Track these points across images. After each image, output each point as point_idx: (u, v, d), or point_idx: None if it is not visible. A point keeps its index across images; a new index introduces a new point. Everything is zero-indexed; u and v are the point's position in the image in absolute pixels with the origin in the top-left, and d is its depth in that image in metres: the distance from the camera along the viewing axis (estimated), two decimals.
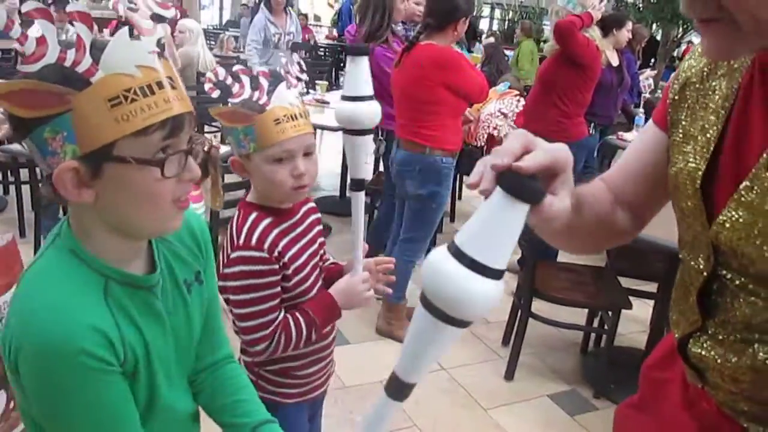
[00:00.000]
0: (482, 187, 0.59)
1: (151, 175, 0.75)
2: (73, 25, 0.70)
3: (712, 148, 0.76)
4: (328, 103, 4.31)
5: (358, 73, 1.26)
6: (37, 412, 0.81)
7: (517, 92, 3.96)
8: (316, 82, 5.20)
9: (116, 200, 0.77)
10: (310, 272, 1.35)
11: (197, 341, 0.99)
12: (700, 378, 0.83)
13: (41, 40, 0.67)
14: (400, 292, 2.95)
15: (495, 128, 3.68)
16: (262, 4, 5.25)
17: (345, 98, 1.27)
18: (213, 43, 9.17)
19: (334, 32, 12.35)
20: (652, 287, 2.95)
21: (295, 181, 1.24)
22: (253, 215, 1.26)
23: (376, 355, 2.83)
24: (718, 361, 0.77)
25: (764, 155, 0.68)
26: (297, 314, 1.30)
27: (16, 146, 2.81)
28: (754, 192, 0.69)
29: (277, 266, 1.25)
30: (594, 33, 3.63)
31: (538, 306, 2.72)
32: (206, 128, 4.82)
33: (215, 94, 1.19)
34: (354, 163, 1.34)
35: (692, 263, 0.80)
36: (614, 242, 0.99)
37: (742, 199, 0.70)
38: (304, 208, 1.38)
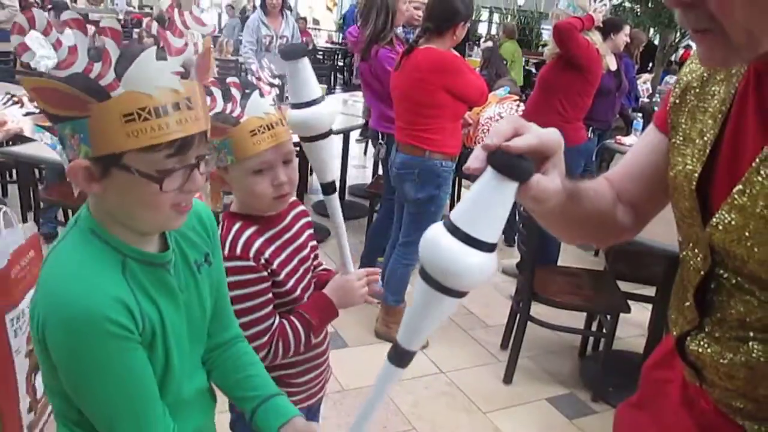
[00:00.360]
0: (473, 165, 0.63)
1: (151, 188, 0.80)
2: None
3: (708, 151, 0.78)
4: None
5: (301, 77, 1.22)
6: (66, 380, 0.85)
7: (517, 97, 3.96)
8: None
9: (120, 200, 0.83)
10: (302, 276, 1.34)
11: (208, 320, 1.04)
12: (697, 376, 0.85)
13: (73, 50, 0.73)
14: (399, 295, 2.95)
15: None
16: (258, 5, 5.20)
17: (295, 106, 1.23)
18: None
19: (340, 36, 12.38)
20: (650, 291, 2.95)
21: (276, 190, 1.23)
22: (237, 225, 1.25)
23: (374, 358, 2.80)
24: (715, 358, 0.79)
25: (756, 160, 0.70)
26: (293, 318, 1.29)
27: (16, 147, 2.82)
28: (746, 195, 0.70)
29: (265, 273, 1.24)
30: (595, 37, 3.54)
31: (537, 309, 2.72)
32: None
33: None
34: (319, 168, 1.32)
35: (691, 262, 0.82)
36: (615, 238, 1.00)
37: (735, 202, 0.72)
38: (293, 213, 1.37)
